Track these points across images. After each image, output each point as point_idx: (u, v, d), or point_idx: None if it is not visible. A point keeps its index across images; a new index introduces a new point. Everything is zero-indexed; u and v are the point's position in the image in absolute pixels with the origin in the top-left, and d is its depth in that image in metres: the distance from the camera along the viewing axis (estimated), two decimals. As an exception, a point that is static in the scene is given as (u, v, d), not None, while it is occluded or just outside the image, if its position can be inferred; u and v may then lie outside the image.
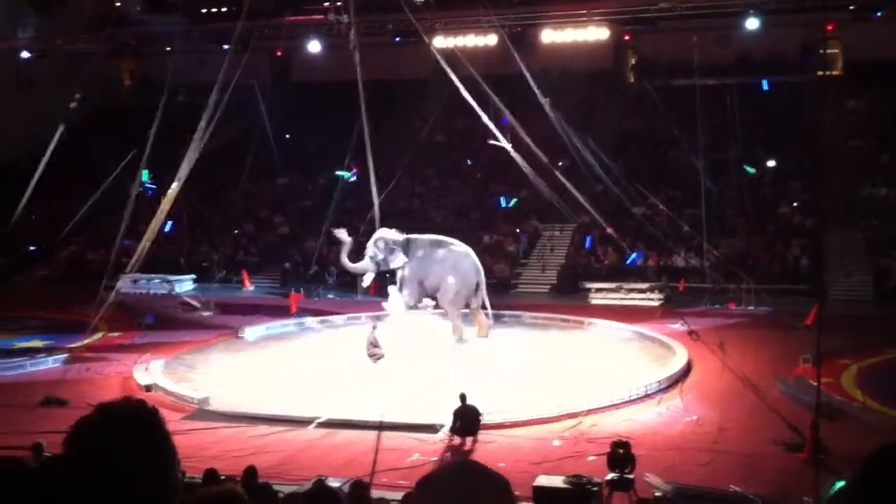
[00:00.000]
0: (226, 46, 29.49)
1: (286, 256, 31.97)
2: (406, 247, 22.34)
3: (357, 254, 23.05)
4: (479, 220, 32.17)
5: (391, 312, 22.45)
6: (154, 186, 29.66)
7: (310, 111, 36.34)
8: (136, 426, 2.10)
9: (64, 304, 26.87)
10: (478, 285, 22.25)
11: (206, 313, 25.50)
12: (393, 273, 22.61)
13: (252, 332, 23.54)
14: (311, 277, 29.11)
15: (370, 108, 25.68)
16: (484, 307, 22.27)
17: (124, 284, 27.18)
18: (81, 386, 18.28)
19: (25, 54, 29.07)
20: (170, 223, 30.56)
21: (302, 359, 20.68)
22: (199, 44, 30.67)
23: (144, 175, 30.02)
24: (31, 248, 31.88)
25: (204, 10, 37.25)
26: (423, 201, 33.30)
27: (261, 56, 32.63)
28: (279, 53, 33.62)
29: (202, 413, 16.15)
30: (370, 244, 22.71)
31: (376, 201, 26.10)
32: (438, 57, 26.75)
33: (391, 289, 22.47)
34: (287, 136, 36.31)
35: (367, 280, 23.36)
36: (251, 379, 18.96)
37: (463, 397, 14.40)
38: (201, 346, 22.23)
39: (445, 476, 2.33)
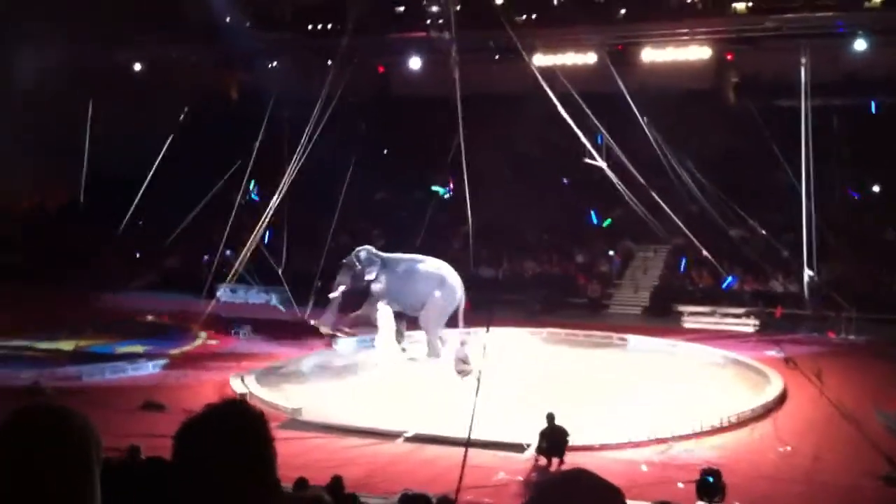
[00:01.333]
0: (330, 62, 30.23)
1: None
2: (383, 262, 22.37)
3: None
4: (572, 239, 32.05)
5: (382, 326, 22.33)
6: (258, 199, 30.48)
7: (408, 126, 36.80)
8: (242, 428, 2.22)
9: (165, 310, 27.76)
10: (458, 305, 22.19)
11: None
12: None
13: (345, 343, 23.92)
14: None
15: (467, 123, 25.91)
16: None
17: (223, 293, 28.02)
18: (179, 391, 18.91)
19: (137, 66, 30.25)
20: (269, 234, 31.34)
21: (391, 371, 20.93)
22: (304, 59, 31.39)
23: (252, 185, 30.98)
24: (137, 254, 33.00)
25: (310, 27, 38.15)
26: (516, 217, 33.34)
27: (363, 71, 33.22)
28: (381, 69, 34.21)
29: (294, 423, 16.52)
30: (350, 256, 22.71)
31: (470, 216, 26.31)
32: (537, 74, 26.87)
33: (381, 304, 22.26)
34: (385, 150, 36.83)
35: (337, 292, 22.97)
36: (343, 390, 19.30)
37: (550, 417, 14.40)
38: (296, 356, 22.70)
39: (560, 484, 2.35)
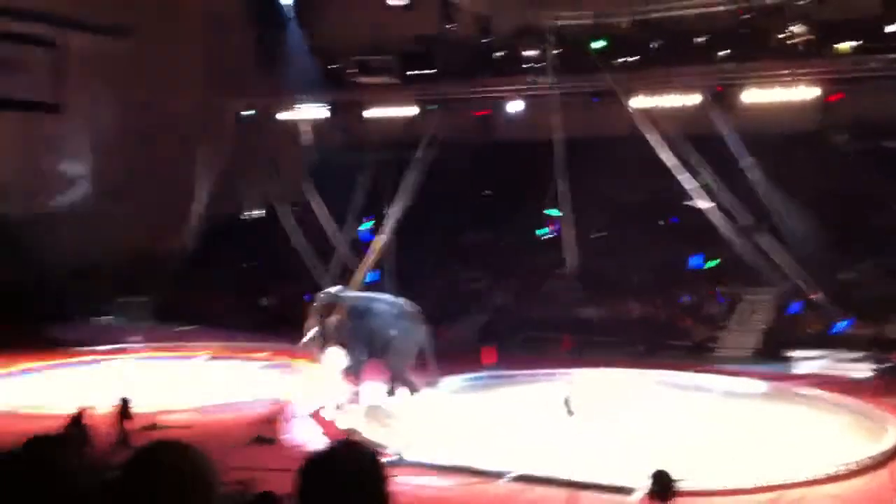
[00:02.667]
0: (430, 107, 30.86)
1: (480, 310, 32.53)
2: (350, 305, 21.86)
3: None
4: (677, 281, 31.65)
5: (327, 368, 22.05)
6: (371, 237, 31.17)
7: (507, 169, 37.06)
8: (362, 470, 2.35)
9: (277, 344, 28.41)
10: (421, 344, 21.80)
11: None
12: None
13: (448, 382, 24.07)
14: (503, 332, 29.42)
15: (567, 165, 26.04)
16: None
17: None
18: (288, 426, 19.32)
19: (248, 112, 31.35)
20: (373, 274, 31.91)
21: (495, 411, 20.97)
22: (406, 103, 32.05)
23: (364, 226, 31.74)
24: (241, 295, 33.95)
25: (411, 72, 38.98)
26: (618, 260, 33.12)
27: (464, 115, 33.72)
28: (479, 114, 34.65)
29: (399, 461, 16.68)
30: (316, 301, 22.39)
31: (571, 258, 26.38)
32: (636, 117, 26.88)
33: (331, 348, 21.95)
34: (485, 192, 37.14)
35: (309, 335, 22.50)
36: (446, 429, 19.42)
37: (657, 462, 14.22)
38: (398, 394, 22.92)
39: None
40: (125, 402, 17.58)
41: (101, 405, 17.36)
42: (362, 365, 21.96)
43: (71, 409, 16.72)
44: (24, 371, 25.32)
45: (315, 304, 22.57)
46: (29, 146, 36.17)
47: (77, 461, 2.81)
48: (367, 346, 21.76)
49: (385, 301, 22.72)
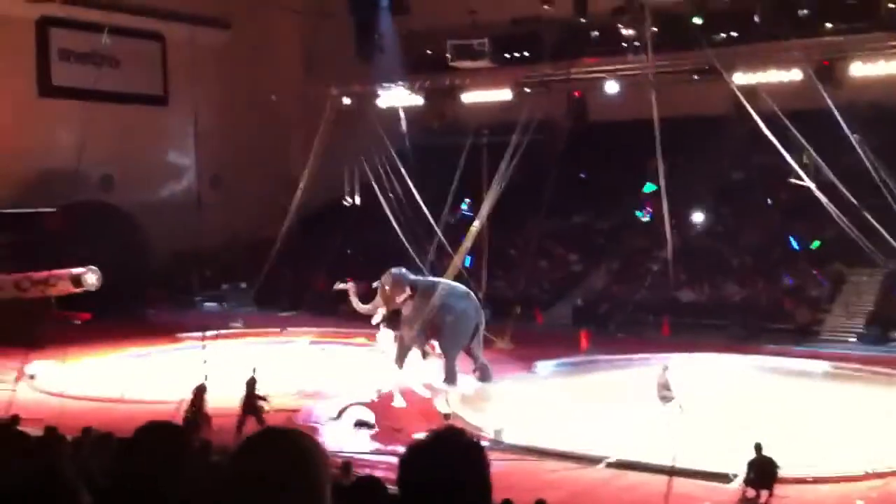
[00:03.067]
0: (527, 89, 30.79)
1: (577, 293, 32.47)
2: (412, 286, 22.38)
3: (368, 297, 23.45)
4: (778, 262, 30.93)
5: (381, 348, 23.02)
6: (471, 213, 31.37)
7: (604, 150, 36.75)
8: (466, 456, 2.42)
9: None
10: (477, 327, 22.28)
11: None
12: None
13: (544, 366, 24.15)
14: (601, 316, 29.27)
15: (665, 145, 25.68)
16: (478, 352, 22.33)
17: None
18: (386, 411, 19.70)
19: (346, 100, 31.84)
20: (469, 258, 32.08)
21: (592, 396, 20.95)
22: (502, 86, 32.10)
23: (464, 204, 31.97)
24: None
25: (507, 55, 38.91)
26: (718, 241, 32.56)
27: (559, 97, 33.53)
28: (577, 94, 34.40)
29: (496, 444, 16.85)
30: (380, 282, 22.97)
31: (669, 239, 26.04)
32: (738, 93, 26.29)
33: (383, 327, 23.01)
34: (582, 174, 36.92)
35: (377, 318, 23.39)
36: (542, 413, 19.50)
37: (758, 447, 14.05)
38: (497, 377, 23.12)
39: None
40: (252, 383, 18.03)
41: (209, 389, 17.96)
42: (418, 343, 22.70)
43: (180, 395, 17.38)
44: (135, 355, 26.38)
45: (381, 284, 23.18)
46: (137, 138, 37.53)
47: (191, 446, 2.97)
48: (425, 327, 22.40)
49: (447, 285, 23.30)
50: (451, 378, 22.30)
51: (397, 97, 31.87)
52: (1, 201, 35.06)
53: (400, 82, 33.29)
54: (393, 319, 23.61)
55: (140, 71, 38.98)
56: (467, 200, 32.22)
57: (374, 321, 23.67)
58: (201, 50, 28.75)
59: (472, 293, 23.41)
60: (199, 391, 17.22)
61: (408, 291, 22.73)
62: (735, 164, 35.20)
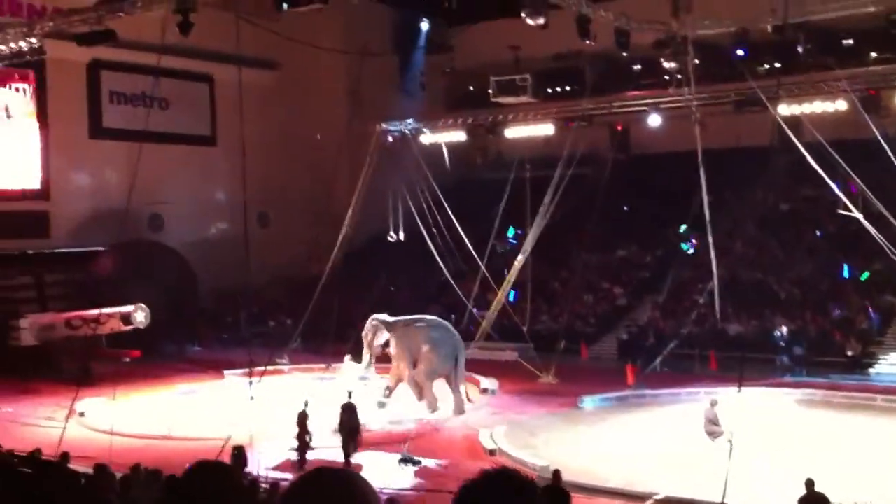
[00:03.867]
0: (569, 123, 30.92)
1: (623, 327, 32.28)
2: (390, 327, 23.79)
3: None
4: (827, 294, 30.50)
5: (344, 376, 23.95)
6: (515, 242, 31.46)
7: (648, 182, 36.69)
8: (518, 496, 2.47)
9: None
10: (456, 359, 23.02)
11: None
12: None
13: (590, 401, 24.00)
14: (646, 350, 29.02)
15: (709, 177, 25.58)
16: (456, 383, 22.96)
17: (472, 350, 28.95)
18: (432, 445, 19.70)
19: (390, 137, 32.19)
20: (513, 292, 32.10)
21: (639, 431, 20.76)
22: (545, 121, 32.27)
23: (510, 231, 32.08)
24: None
25: (549, 90, 39.18)
26: (765, 273, 32.22)
27: (602, 130, 33.63)
28: (619, 127, 34.49)
29: (542, 480, 16.74)
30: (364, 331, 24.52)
31: (715, 272, 25.80)
32: (783, 124, 26.15)
33: (348, 359, 24.46)
34: (625, 207, 36.86)
35: (365, 360, 24.56)
36: (589, 448, 19.36)
37: (810, 484, 13.81)
38: (542, 412, 23.03)
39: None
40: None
41: (252, 425, 18.12)
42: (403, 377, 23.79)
43: (227, 431, 17.56)
44: (183, 392, 26.67)
45: (364, 332, 24.61)
46: (186, 177, 38.28)
47: (241, 485, 3.03)
48: (409, 361, 23.50)
49: (424, 319, 24.28)
50: (431, 405, 23.04)
51: (441, 133, 32.16)
52: (54, 241, 35.88)
53: (443, 119, 33.59)
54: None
55: (189, 111, 39.85)
56: (514, 230, 32.47)
57: (363, 364, 24.81)
58: (249, 90, 29.12)
59: (450, 327, 24.36)
60: (303, 417, 18.36)
61: (386, 335, 24.07)
62: (781, 195, 34.93)
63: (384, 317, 24.60)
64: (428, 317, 24.70)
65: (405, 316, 24.73)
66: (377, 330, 24.30)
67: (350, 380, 23.76)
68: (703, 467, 17.00)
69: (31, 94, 34.71)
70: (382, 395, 23.97)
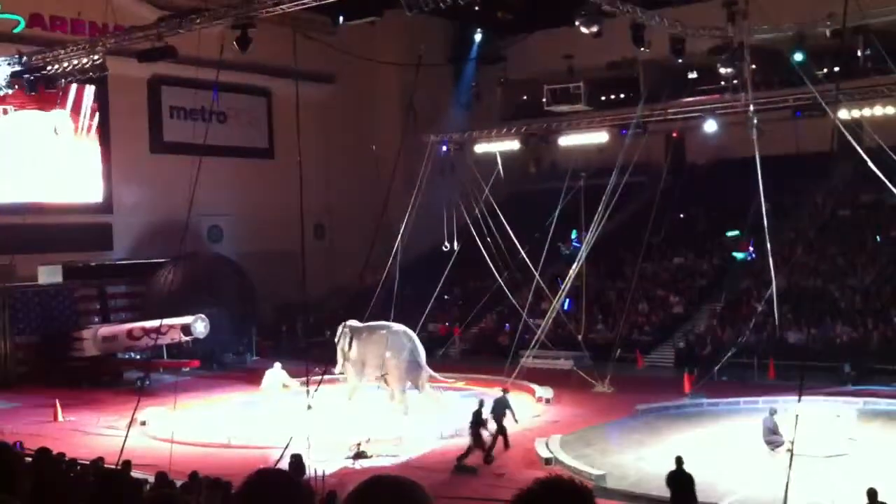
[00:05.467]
0: (624, 131, 30.77)
1: (679, 336, 31.99)
2: (355, 333, 24.57)
3: None
4: (890, 301, 29.91)
5: (264, 386, 24.82)
6: (579, 245, 31.40)
7: (704, 190, 36.36)
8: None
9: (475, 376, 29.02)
10: (418, 364, 23.91)
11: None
12: None
13: (646, 410, 23.83)
14: (704, 359, 28.72)
15: (767, 184, 25.27)
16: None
17: (527, 360, 28.93)
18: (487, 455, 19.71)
19: (444, 148, 32.34)
20: (568, 301, 32.00)
21: (697, 440, 20.55)
22: (599, 129, 32.15)
23: (574, 233, 32.02)
24: (436, 325, 34.85)
25: (603, 98, 39.08)
26: (825, 281, 31.70)
27: (657, 138, 33.40)
28: (675, 135, 34.19)
29: (599, 490, 16.69)
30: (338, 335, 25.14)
31: (774, 280, 25.49)
32: (843, 129, 25.76)
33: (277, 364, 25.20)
34: (681, 215, 36.56)
35: (338, 367, 25.15)
36: (646, 458, 19.23)
37: (872, 494, 13.59)
38: (598, 422, 22.93)
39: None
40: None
41: (310, 433, 18.32)
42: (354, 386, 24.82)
43: (285, 440, 17.80)
44: (242, 401, 27.04)
45: (337, 338, 25.20)
46: (244, 190, 38.88)
47: (298, 493, 3.09)
48: (367, 366, 24.44)
49: (387, 327, 24.93)
50: (404, 409, 23.67)
51: (494, 143, 32.23)
52: (116, 253, 36.70)
53: (497, 128, 33.67)
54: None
55: (247, 125, 40.54)
56: (577, 232, 32.41)
57: (336, 370, 25.47)
58: (305, 103, 29.67)
59: (411, 333, 24.84)
60: (477, 416, 19.36)
61: (349, 336, 24.84)
62: (840, 201, 34.37)
63: (354, 323, 25.30)
64: (392, 324, 25.31)
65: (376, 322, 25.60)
66: (346, 336, 25.03)
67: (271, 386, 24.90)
68: (763, 477, 16.81)
69: (70, 112, 35.46)
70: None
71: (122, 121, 36.91)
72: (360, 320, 25.92)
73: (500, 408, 20.22)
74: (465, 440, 20.68)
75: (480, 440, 19.17)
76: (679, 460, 14.50)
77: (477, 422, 19.36)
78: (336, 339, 25.35)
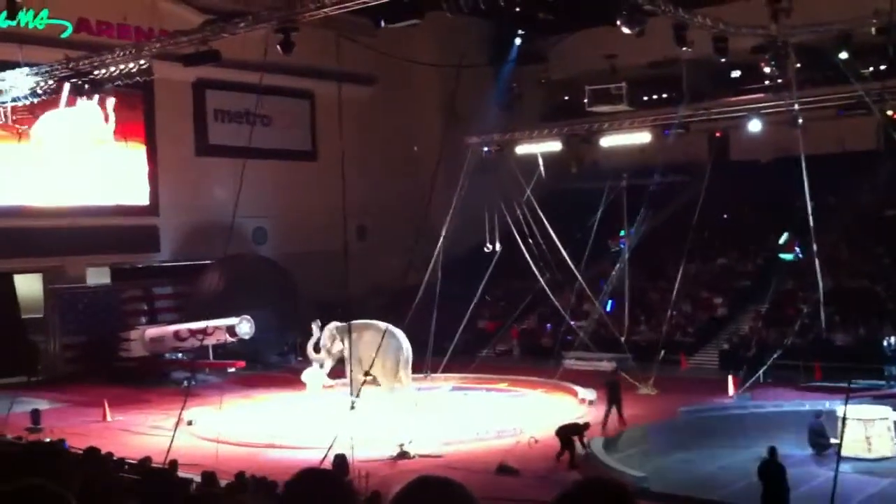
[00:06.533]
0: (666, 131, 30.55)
1: (723, 337, 31.72)
2: (343, 333, 24.68)
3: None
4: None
5: (307, 385, 25.46)
6: (624, 245, 31.32)
7: (748, 189, 36.02)
8: None
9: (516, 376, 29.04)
10: (406, 361, 24.69)
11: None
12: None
13: (689, 412, 23.67)
14: (748, 360, 28.42)
15: (812, 183, 24.99)
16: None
17: (569, 361, 28.90)
18: (529, 455, 19.73)
19: (485, 149, 32.32)
20: (611, 302, 31.89)
21: (741, 443, 20.40)
22: (641, 129, 31.96)
23: (623, 233, 31.91)
24: (481, 326, 34.82)
25: (645, 98, 38.89)
26: (872, 281, 31.25)
27: (700, 137, 33.15)
28: (718, 134, 33.88)
29: (642, 492, 16.64)
30: (322, 335, 25.57)
31: (820, 281, 25.20)
32: (888, 127, 25.40)
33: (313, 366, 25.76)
34: (725, 215, 36.26)
35: (326, 368, 25.68)
36: (688, 460, 19.14)
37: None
38: (640, 423, 22.83)
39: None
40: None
41: (353, 433, 18.47)
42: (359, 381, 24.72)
43: (329, 440, 17.95)
44: (286, 401, 27.29)
45: (323, 336, 25.65)
46: (288, 192, 39.22)
47: (344, 493, 3.15)
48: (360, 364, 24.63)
49: (375, 325, 25.25)
50: (394, 405, 24.15)
51: (536, 144, 32.19)
52: (163, 255, 37.22)
53: (538, 129, 33.63)
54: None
55: (291, 128, 40.89)
56: (625, 231, 32.28)
57: (325, 371, 25.99)
58: (348, 105, 29.86)
59: (398, 331, 25.19)
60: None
61: (338, 340, 25.22)
62: (888, 200, 33.86)
63: (337, 324, 25.69)
64: (380, 323, 25.56)
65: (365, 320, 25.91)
66: (334, 337, 25.43)
67: (314, 387, 25.50)
68: (808, 481, 16.66)
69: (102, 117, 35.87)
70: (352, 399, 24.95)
71: (168, 124, 37.42)
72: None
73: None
74: (504, 441, 20.81)
75: (571, 443, 19.27)
76: (772, 451, 14.41)
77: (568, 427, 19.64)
78: (322, 343, 25.75)
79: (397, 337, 25.03)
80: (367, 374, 24.02)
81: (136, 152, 36.82)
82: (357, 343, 24.71)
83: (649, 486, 16.87)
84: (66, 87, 23.50)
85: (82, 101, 24.35)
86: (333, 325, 25.70)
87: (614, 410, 22.06)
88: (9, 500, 2.69)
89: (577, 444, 19.24)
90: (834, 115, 30.15)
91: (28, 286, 34.41)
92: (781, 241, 30.38)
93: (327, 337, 25.67)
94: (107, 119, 33.66)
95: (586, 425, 20.09)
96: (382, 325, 25.29)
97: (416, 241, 26.77)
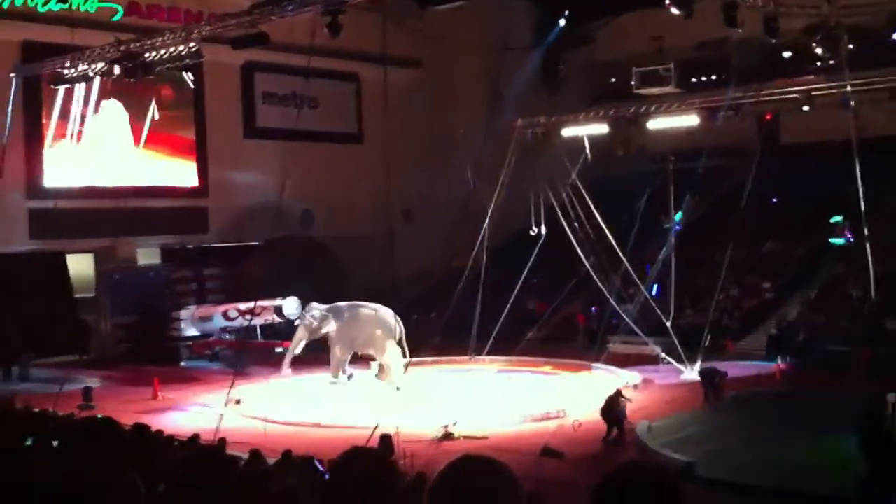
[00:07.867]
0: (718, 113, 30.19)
1: (771, 323, 31.37)
2: (335, 313, 26.13)
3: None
4: None
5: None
6: (680, 228, 31.09)
7: (798, 173, 35.47)
8: (660, 492, 2.47)
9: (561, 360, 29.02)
10: (401, 342, 25.63)
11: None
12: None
13: (736, 398, 23.50)
14: (797, 346, 28.12)
15: (863, 167, 24.60)
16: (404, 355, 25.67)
17: (613, 346, 28.80)
18: (574, 439, 19.76)
19: (531, 131, 32.18)
20: (656, 286, 31.68)
21: (788, 428, 20.21)
22: (689, 112, 31.63)
23: (678, 216, 31.68)
24: (531, 307, 34.72)
25: (693, 80, 38.40)
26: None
27: (749, 120, 32.69)
28: (768, 117, 33.37)
29: (690, 477, 16.54)
30: (306, 314, 26.89)
31: (871, 266, 24.84)
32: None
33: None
34: (774, 199, 35.78)
35: (299, 348, 26.79)
36: (734, 445, 19.00)
37: None
38: (685, 408, 22.72)
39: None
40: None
41: (399, 414, 18.64)
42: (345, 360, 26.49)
43: (375, 420, 18.12)
44: (332, 381, 27.55)
45: (308, 315, 26.79)
46: (335, 174, 39.44)
47: (390, 472, 3.21)
48: (363, 345, 26.12)
49: (367, 306, 26.58)
50: (397, 382, 25.16)
51: (582, 127, 32.01)
52: (212, 236, 37.67)
53: (584, 112, 33.42)
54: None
55: (337, 110, 41.08)
56: (681, 214, 32.05)
57: (297, 351, 27.05)
58: (393, 88, 30.01)
59: (389, 310, 26.27)
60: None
61: (333, 323, 26.15)
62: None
63: (318, 305, 26.92)
64: (370, 303, 26.63)
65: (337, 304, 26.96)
66: (325, 319, 26.21)
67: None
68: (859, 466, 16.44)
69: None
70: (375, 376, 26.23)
71: (217, 107, 37.80)
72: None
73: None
74: (549, 424, 20.86)
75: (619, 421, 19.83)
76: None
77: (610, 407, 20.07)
78: (310, 325, 26.59)
79: (391, 317, 26.01)
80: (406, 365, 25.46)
81: (185, 134, 37.32)
82: (352, 323, 25.78)
83: (696, 472, 16.80)
84: (117, 69, 23.83)
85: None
86: (321, 306, 26.82)
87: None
88: (83, 489, 2.77)
89: (623, 404, 20.13)
90: (887, 97, 29.55)
91: (80, 266, 35.04)
92: (833, 220, 29.94)
93: (319, 318, 26.45)
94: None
95: (619, 391, 20.75)
96: (373, 305, 26.35)
97: (463, 223, 26.88)
